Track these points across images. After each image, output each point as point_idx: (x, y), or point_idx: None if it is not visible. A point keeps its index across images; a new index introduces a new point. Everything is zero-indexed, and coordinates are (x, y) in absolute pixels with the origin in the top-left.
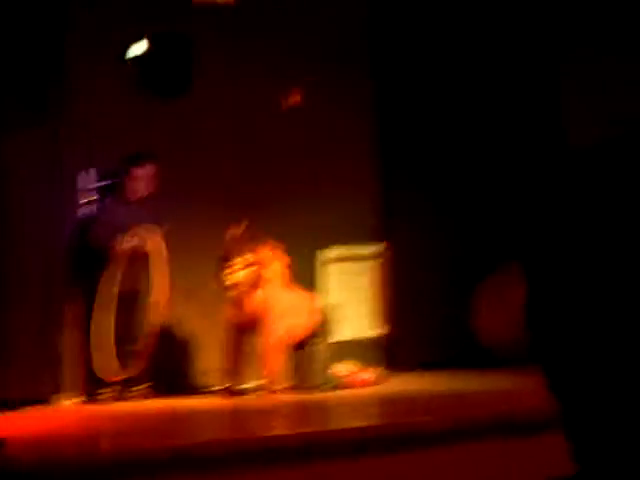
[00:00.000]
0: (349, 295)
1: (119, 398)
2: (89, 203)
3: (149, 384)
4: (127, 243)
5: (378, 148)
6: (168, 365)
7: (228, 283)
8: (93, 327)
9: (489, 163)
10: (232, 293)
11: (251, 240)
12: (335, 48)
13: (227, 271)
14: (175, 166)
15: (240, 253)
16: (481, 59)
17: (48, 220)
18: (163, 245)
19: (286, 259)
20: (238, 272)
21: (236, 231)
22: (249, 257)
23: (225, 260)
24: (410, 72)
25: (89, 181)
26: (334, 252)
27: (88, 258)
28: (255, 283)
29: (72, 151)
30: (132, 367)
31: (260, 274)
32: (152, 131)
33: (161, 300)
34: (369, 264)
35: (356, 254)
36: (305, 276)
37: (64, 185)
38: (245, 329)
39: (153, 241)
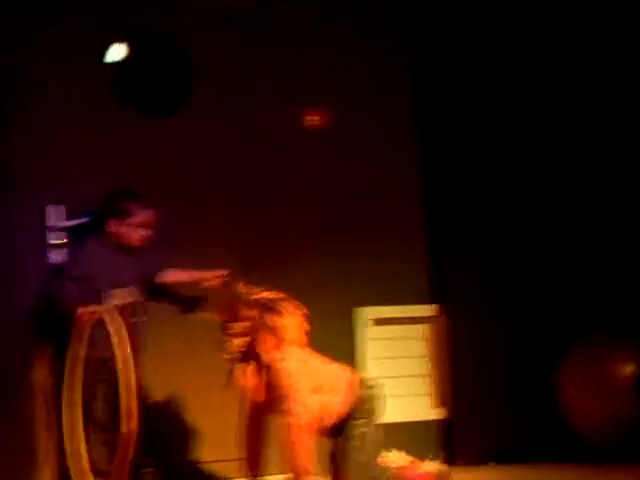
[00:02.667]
0: (396, 366)
1: None
2: (60, 246)
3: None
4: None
5: (426, 196)
6: (167, 454)
7: (234, 350)
8: (64, 413)
9: (556, 220)
10: (244, 362)
11: (264, 297)
12: (370, 67)
13: (231, 334)
14: (167, 206)
15: (249, 312)
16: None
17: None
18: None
19: (306, 319)
20: (245, 336)
21: (240, 285)
22: (264, 318)
23: (230, 321)
24: (461, 107)
25: (58, 219)
26: (376, 312)
27: (56, 319)
28: (274, 349)
29: (32, 181)
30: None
31: (279, 337)
32: (135, 159)
33: (128, 373)
34: (420, 329)
35: (404, 316)
36: (341, 341)
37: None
38: (265, 408)
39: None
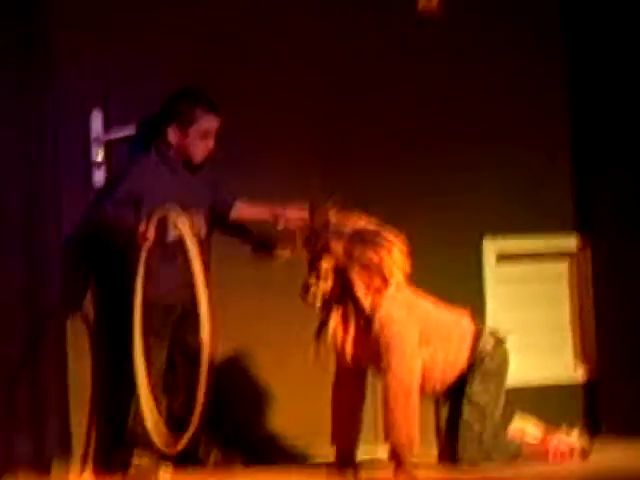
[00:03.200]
0: (526, 314)
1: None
2: (102, 163)
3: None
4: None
5: (574, 102)
6: (232, 424)
7: (320, 294)
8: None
9: None
10: (333, 309)
11: (358, 227)
12: None
13: (317, 275)
14: (234, 109)
15: (339, 247)
16: None
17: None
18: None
19: (409, 254)
20: (334, 277)
21: (330, 211)
22: (359, 253)
23: (315, 258)
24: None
25: (100, 129)
26: (502, 245)
27: (103, 251)
28: (371, 292)
29: (65, 80)
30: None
31: (379, 277)
32: (191, 47)
33: (206, 321)
34: (558, 266)
35: (536, 250)
36: (456, 282)
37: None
38: (359, 365)
39: (187, 226)
